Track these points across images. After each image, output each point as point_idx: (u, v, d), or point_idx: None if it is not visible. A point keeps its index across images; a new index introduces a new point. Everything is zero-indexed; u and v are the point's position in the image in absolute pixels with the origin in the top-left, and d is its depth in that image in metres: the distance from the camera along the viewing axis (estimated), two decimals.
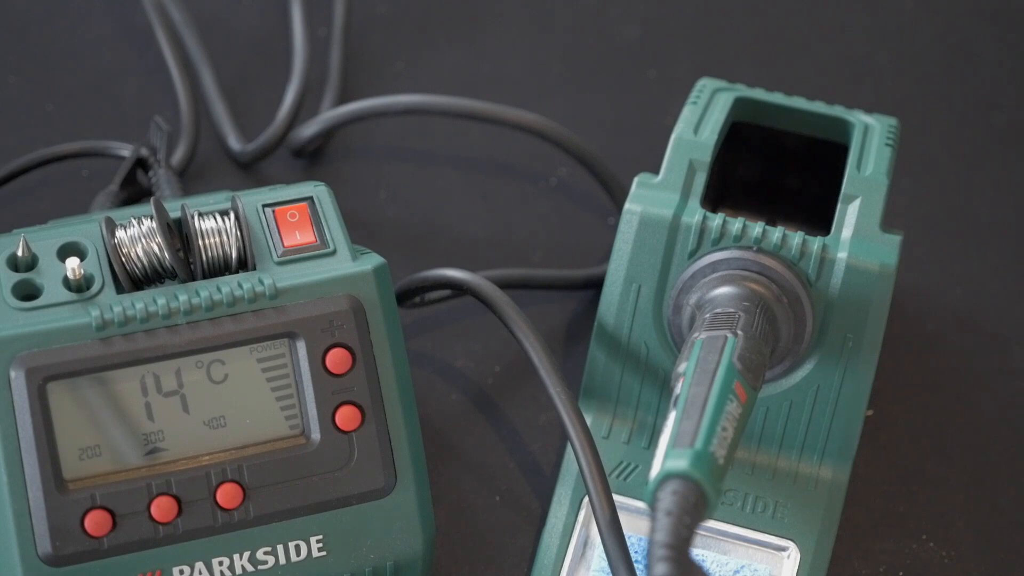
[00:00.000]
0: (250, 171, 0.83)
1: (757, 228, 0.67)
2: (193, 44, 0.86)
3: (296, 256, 0.63)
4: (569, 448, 0.70)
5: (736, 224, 0.68)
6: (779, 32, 0.93)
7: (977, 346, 0.78)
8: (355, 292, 0.62)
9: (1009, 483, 0.73)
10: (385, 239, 0.80)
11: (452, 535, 0.69)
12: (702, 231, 0.68)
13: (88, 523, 0.59)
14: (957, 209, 0.84)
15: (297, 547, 0.62)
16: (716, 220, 0.68)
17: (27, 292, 0.61)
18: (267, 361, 0.62)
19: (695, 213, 0.68)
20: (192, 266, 0.62)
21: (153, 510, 0.60)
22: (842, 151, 0.73)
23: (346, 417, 0.62)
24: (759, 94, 0.74)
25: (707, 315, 0.65)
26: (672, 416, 0.60)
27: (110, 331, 0.60)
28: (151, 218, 0.62)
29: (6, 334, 0.59)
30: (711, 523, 0.68)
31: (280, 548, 0.62)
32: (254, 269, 0.62)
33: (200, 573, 0.61)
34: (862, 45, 0.92)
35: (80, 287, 0.61)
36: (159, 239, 0.62)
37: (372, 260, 0.63)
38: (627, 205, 0.69)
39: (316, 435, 0.62)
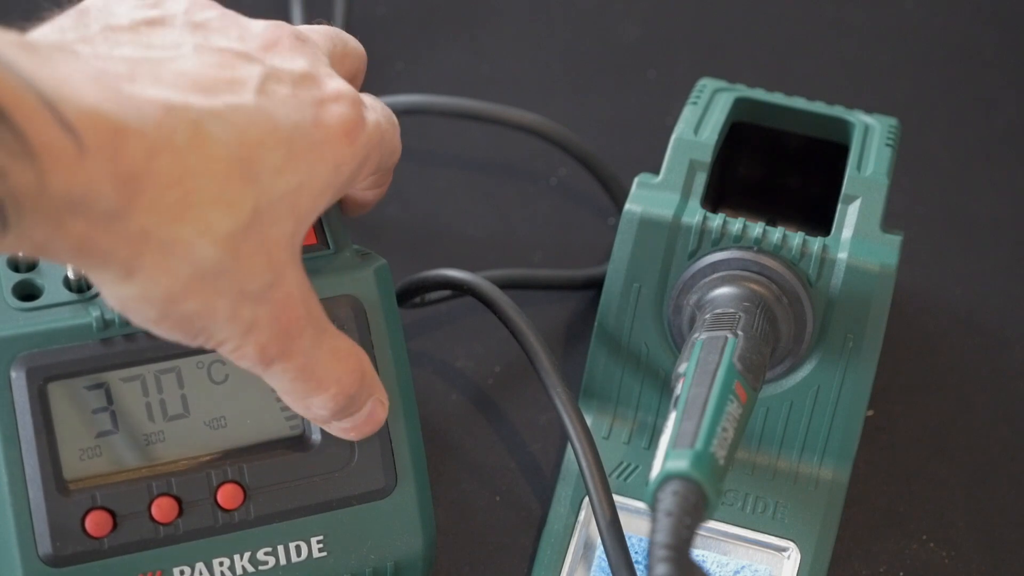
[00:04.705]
0: None
1: (757, 228, 0.67)
2: None
3: None
4: (569, 448, 0.70)
5: (736, 224, 0.67)
6: (779, 32, 0.93)
7: (977, 346, 0.78)
8: (355, 292, 0.62)
9: (1009, 483, 0.73)
10: (385, 239, 0.80)
11: (452, 535, 0.69)
12: (702, 231, 0.68)
13: (89, 523, 0.59)
14: (957, 209, 0.84)
15: (298, 547, 0.62)
16: (716, 220, 0.68)
17: (28, 292, 0.60)
18: None
19: (695, 213, 0.68)
20: None
21: (154, 510, 0.60)
22: (842, 151, 0.73)
23: None
24: (759, 94, 0.74)
25: (707, 315, 0.65)
26: (672, 416, 0.60)
27: (111, 331, 0.60)
28: None
29: (7, 334, 0.59)
30: (711, 523, 0.68)
31: (281, 548, 0.62)
32: None
33: (201, 573, 0.61)
34: (862, 45, 0.92)
35: (81, 287, 0.60)
36: None
37: (372, 260, 0.63)
38: (627, 205, 0.69)
39: (317, 435, 0.62)
